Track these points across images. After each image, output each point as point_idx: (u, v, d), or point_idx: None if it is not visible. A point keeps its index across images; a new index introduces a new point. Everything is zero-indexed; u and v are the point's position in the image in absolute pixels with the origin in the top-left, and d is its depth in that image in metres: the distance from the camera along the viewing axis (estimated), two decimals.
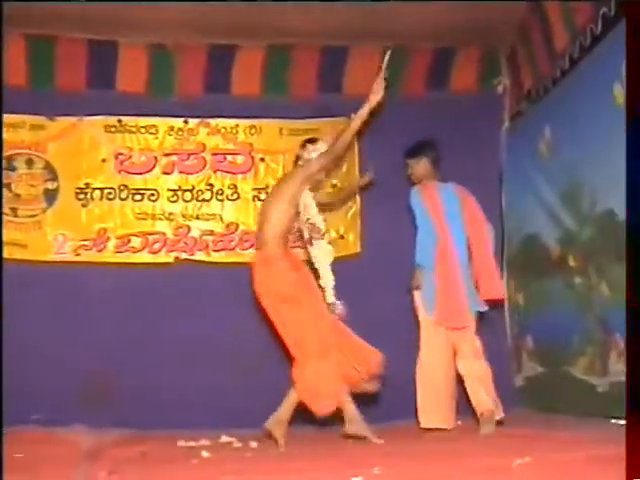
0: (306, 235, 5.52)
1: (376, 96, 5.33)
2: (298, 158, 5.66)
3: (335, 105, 7.20)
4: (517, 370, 7.01)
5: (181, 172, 7.13)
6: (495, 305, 6.08)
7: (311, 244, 5.53)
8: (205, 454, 4.84)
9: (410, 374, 6.10)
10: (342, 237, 7.21)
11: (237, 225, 7.19)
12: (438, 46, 7.27)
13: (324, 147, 5.49)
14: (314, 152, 5.48)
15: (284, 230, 5.33)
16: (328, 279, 5.45)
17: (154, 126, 7.24)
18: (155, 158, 7.21)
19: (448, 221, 5.75)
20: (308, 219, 5.47)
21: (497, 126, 7.39)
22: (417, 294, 5.76)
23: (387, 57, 5.41)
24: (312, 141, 5.67)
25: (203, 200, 7.18)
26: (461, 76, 7.42)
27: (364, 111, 5.30)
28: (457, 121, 7.23)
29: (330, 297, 5.37)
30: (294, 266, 5.33)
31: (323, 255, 5.55)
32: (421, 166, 5.97)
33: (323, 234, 5.60)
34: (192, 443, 5.38)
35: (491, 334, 6.93)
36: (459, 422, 5.84)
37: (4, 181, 6.86)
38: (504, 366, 6.86)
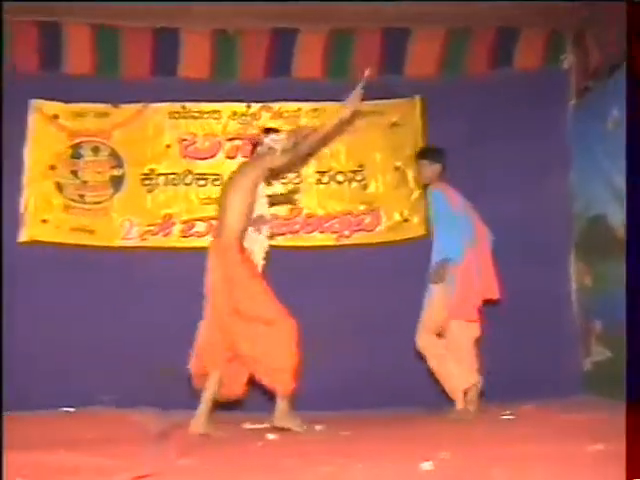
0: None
1: (350, 108, 5.46)
2: (256, 144, 5.75)
3: (397, 86, 7.18)
4: (585, 355, 6.84)
5: (245, 156, 7.10)
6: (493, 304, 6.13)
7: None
8: (271, 436, 4.87)
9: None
10: (406, 220, 7.16)
11: (301, 209, 7.19)
12: (502, 25, 7.17)
13: (283, 139, 5.58)
14: (274, 142, 5.56)
15: (243, 219, 5.37)
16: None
17: (217, 111, 7.26)
18: (219, 143, 7.25)
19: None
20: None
21: (563, 104, 7.26)
22: (436, 288, 5.87)
23: (367, 73, 5.46)
24: (273, 130, 5.79)
25: (267, 184, 7.17)
26: (526, 53, 7.30)
27: (335, 120, 5.49)
28: (522, 99, 7.15)
29: None
30: (246, 257, 5.41)
31: (259, 246, 5.64)
32: (434, 169, 6.09)
33: (269, 226, 5.72)
34: (257, 425, 5.42)
35: (559, 318, 6.91)
36: (527, 407, 5.81)
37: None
38: (572, 351, 6.80)
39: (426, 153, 6.24)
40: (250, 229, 5.52)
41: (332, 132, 5.93)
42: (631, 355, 5.59)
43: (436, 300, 5.86)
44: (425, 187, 6.34)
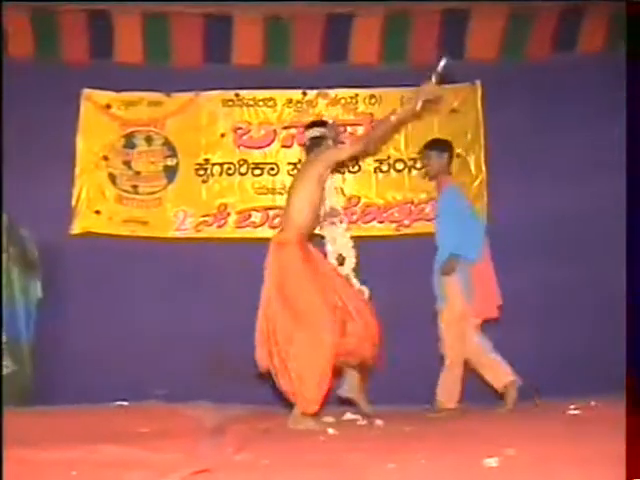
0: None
1: (417, 105, 5.20)
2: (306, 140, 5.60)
3: (457, 70, 7.00)
4: None
5: (301, 145, 6.98)
6: None
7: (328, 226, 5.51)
8: (331, 431, 4.75)
9: (535, 351, 5.94)
10: None
11: (359, 198, 7.04)
12: (565, 7, 6.98)
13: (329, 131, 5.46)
14: (317, 133, 5.43)
15: (308, 214, 5.18)
16: (348, 262, 5.42)
17: (272, 99, 7.17)
18: (274, 131, 7.15)
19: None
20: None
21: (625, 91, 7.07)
22: (450, 280, 5.75)
23: (442, 63, 5.18)
24: (321, 124, 5.61)
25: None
26: (589, 37, 7.14)
27: (403, 114, 5.29)
28: (585, 85, 6.98)
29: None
30: (306, 256, 5.18)
31: (340, 239, 5.53)
32: (442, 160, 5.93)
33: (341, 218, 5.58)
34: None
35: (614, 312, 6.71)
36: (592, 403, 5.63)
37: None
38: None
39: (434, 144, 6.06)
40: (325, 222, 5.44)
41: (403, 121, 5.79)
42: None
43: (456, 292, 5.72)
44: (432, 179, 6.17)
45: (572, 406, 5.49)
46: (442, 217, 5.92)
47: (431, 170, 6.00)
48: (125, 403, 6.21)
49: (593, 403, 5.63)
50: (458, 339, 5.71)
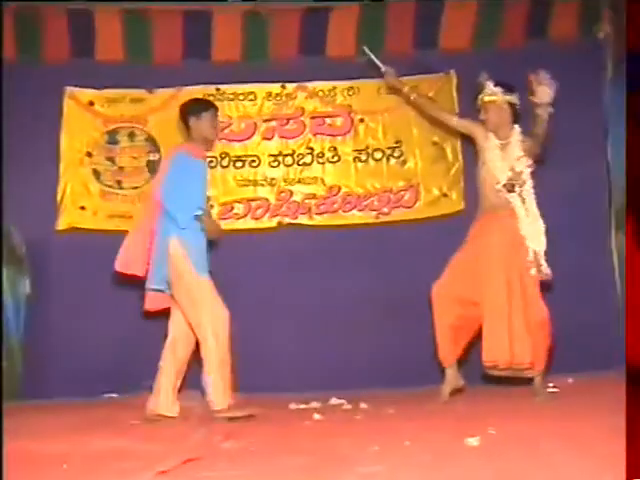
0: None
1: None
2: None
3: (432, 61, 7.12)
4: None
5: (281, 137, 7.12)
6: None
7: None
8: (317, 416, 4.86)
9: None
10: (445, 195, 7.08)
11: (339, 187, 7.13)
12: None
13: None
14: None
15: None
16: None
17: (252, 92, 7.23)
18: (255, 124, 7.21)
19: None
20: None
21: (600, 76, 7.16)
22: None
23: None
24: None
25: (304, 164, 7.14)
26: (560, 24, 7.18)
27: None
28: (558, 71, 7.02)
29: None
30: None
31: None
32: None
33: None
34: (303, 406, 5.42)
35: (600, 291, 6.83)
36: (570, 380, 5.76)
37: None
38: (615, 324, 6.68)
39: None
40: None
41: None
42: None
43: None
44: None
45: (551, 384, 5.63)
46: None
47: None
48: (114, 395, 6.31)
49: (570, 380, 5.76)
50: None
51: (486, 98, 5.57)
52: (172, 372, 5.30)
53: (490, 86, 5.57)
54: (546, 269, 5.45)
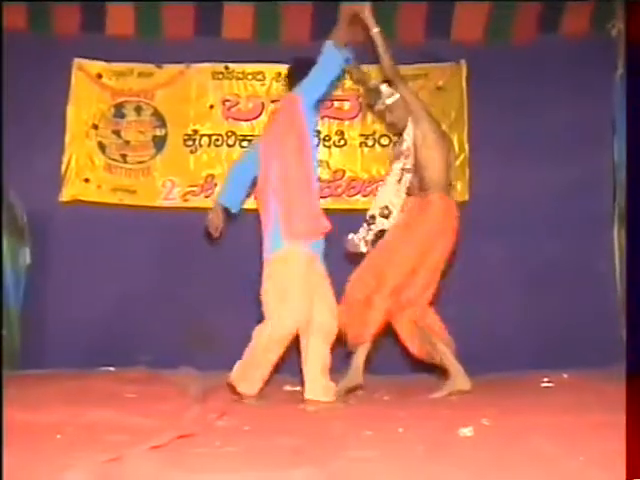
0: None
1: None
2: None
3: (443, 50, 7.10)
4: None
5: None
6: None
7: None
8: None
9: (512, 325, 6.06)
10: (450, 185, 7.08)
11: (344, 172, 7.15)
12: None
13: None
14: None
15: None
16: None
17: (261, 72, 7.24)
18: (262, 104, 7.23)
19: None
20: None
21: (610, 72, 7.14)
22: None
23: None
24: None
25: None
26: (573, 20, 7.15)
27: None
28: (568, 67, 7.05)
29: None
30: None
31: None
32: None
33: None
34: (298, 387, 5.42)
35: (600, 288, 6.82)
36: (565, 375, 5.76)
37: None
38: (614, 321, 6.69)
39: None
40: None
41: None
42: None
43: None
44: None
45: (545, 379, 5.63)
46: None
47: None
48: (111, 368, 6.32)
49: (565, 376, 5.76)
50: None
51: (388, 101, 5.43)
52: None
53: (385, 88, 5.41)
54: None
